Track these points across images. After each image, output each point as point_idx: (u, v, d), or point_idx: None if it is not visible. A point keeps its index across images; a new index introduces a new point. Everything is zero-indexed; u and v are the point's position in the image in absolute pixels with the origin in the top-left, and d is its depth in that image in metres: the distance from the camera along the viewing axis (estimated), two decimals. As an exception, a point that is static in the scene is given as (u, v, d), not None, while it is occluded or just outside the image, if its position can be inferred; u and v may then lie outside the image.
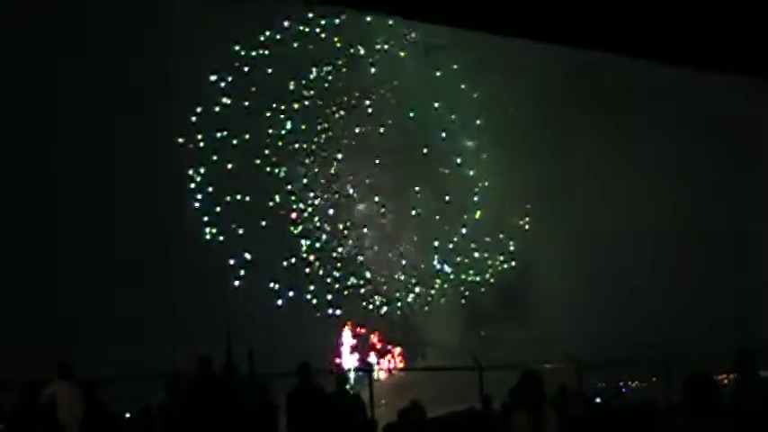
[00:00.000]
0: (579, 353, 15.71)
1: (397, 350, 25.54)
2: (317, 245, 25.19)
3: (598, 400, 15.22)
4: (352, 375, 18.57)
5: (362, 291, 25.26)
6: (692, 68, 6.73)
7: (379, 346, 25.35)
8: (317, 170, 25.45)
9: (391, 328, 25.46)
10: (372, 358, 25.05)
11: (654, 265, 23.78)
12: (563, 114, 24.85)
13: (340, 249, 25.32)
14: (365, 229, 25.59)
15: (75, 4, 21.17)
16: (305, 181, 25.29)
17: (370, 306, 25.34)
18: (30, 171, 20.64)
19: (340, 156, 25.72)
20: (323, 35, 25.68)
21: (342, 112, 25.69)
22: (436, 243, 26.07)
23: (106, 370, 11.07)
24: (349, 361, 24.37)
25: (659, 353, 17.18)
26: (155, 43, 21.60)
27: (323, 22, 25.58)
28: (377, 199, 25.80)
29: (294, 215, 25.09)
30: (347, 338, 24.91)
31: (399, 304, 25.51)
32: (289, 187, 25.12)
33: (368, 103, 25.92)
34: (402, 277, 25.67)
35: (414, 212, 26.04)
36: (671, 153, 23.77)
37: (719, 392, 5.53)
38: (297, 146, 25.33)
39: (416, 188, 26.08)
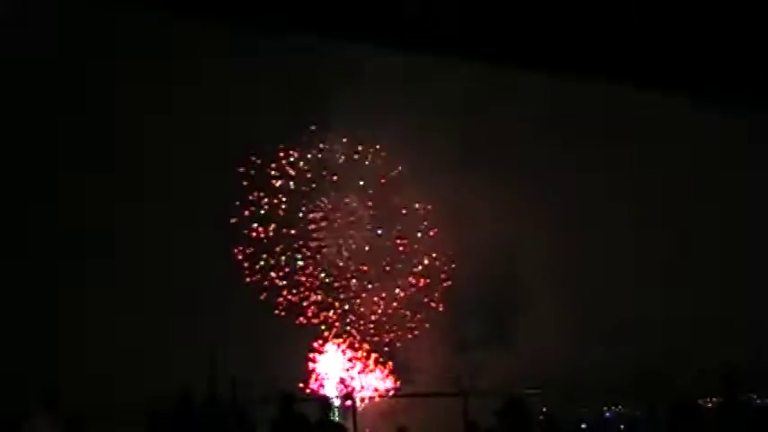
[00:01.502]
0: (564, 378, 15.63)
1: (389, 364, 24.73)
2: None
3: (584, 426, 15.17)
4: (336, 402, 18.32)
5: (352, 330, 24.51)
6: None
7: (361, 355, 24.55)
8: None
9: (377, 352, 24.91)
10: (357, 367, 24.34)
11: (643, 293, 23.51)
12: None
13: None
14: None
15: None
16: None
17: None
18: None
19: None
20: None
21: None
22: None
23: (83, 403, 10.72)
24: (331, 385, 23.89)
25: (644, 378, 17.11)
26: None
27: None
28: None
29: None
30: (328, 357, 24.19)
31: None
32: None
33: None
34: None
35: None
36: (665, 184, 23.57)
37: (704, 419, 5.49)
38: None
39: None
